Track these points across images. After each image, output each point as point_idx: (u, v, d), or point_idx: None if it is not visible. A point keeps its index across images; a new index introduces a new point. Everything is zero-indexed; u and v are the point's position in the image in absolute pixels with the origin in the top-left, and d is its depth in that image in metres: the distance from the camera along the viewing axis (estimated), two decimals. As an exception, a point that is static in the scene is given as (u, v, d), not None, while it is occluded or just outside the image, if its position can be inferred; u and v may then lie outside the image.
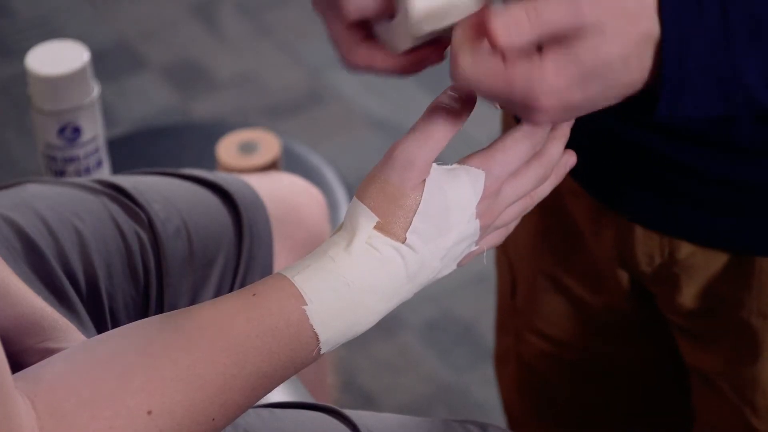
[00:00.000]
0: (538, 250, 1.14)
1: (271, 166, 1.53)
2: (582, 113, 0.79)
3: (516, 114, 0.81)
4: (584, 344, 1.16)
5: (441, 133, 0.83)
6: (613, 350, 1.16)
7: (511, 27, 0.75)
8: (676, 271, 1.01)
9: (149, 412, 0.77)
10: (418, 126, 0.83)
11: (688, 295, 1.01)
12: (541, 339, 1.18)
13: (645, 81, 0.78)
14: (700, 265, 1.00)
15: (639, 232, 1.01)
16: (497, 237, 0.89)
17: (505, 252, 1.20)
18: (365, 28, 0.85)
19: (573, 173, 0.92)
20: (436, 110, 0.83)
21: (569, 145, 0.88)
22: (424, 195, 0.83)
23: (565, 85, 0.76)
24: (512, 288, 1.20)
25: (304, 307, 0.81)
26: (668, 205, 0.98)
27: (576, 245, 1.09)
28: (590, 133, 0.96)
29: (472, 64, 0.77)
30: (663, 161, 0.96)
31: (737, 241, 0.97)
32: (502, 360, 1.26)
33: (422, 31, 0.82)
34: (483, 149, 0.85)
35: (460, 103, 0.83)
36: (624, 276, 1.07)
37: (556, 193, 1.07)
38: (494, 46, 0.76)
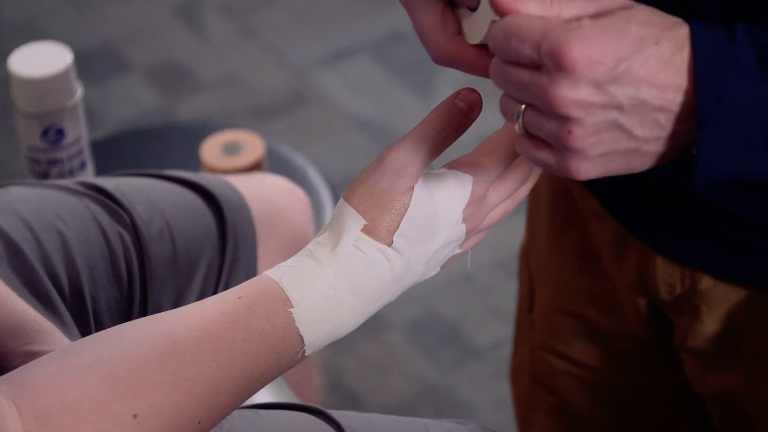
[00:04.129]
0: (556, 270, 1.13)
1: (255, 167, 1.53)
2: (609, 104, 0.76)
3: (534, 94, 0.78)
4: (599, 366, 1.14)
5: (435, 143, 0.83)
6: (628, 374, 1.14)
7: None
8: (696, 302, 1.00)
9: (135, 416, 0.77)
10: (414, 132, 0.84)
11: (709, 324, 1.00)
12: (556, 357, 1.16)
13: (682, 104, 0.76)
14: (721, 297, 0.99)
15: (660, 260, 1.00)
16: (479, 238, 0.89)
17: (526, 264, 1.19)
18: (455, 23, 0.85)
19: (598, 195, 0.91)
20: (434, 118, 0.84)
21: None
22: (412, 199, 0.83)
23: (598, 36, 0.75)
24: (530, 301, 1.18)
25: (291, 309, 0.82)
26: (692, 242, 0.97)
27: (595, 269, 1.08)
28: None
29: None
30: (694, 202, 0.95)
31: (760, 276, 0.96)
32: (516, 372, 1.25)
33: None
34: (470, 153, 0.85)
35: (459, 116, 0.84)
36: (642, 302, 1.06)
37: (579, 215, 1.06)
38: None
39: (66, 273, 1.00)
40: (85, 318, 1.01)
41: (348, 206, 0.83)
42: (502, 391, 1.66)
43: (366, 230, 0.83)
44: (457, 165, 0.85)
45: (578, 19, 0.76)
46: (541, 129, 0.77)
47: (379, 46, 2.41)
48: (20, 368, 0.78)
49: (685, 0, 0.83)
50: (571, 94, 0.75)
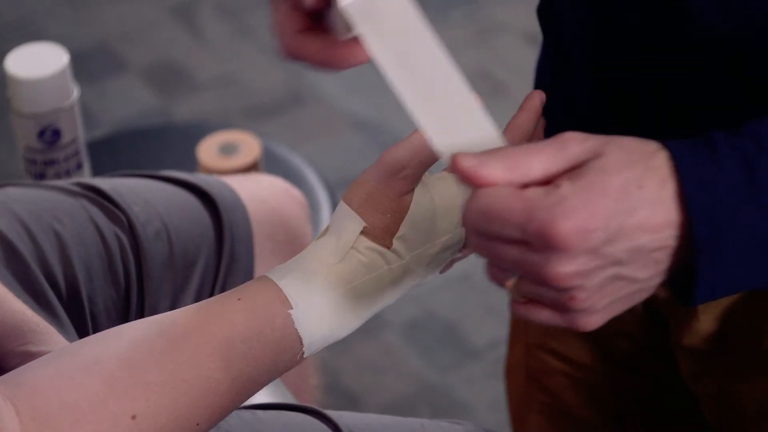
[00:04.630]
0: None
1: (252, 168, 1.53)
2: (608, 263, 0.74)
3: (525, 289, 0.76)
4: (593, 365, 1.14)
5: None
6: (622, 374, 1.14)
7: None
8: None
9: (133, 417, 0.77)
10: (415, 135, 0.83)
11: (705, 322, 1.00)
12: (550, 355, 1.16)
13: (677, 238, 0.74)
14: None
15: None
16: None
17: None
18: (310, 19, 0.81)
19: None
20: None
21: None
22: (412, 202, 0.83)
23: (582, 204, 0.72)
24: None
25: (290, 311, 0.82)
26: None
27: None
28: None
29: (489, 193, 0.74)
30: None
31: None
32: (511, 370, 1.25)
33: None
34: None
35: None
36: None
37: None
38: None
39: (63, 273, 1.00)
40: (82, 318, 1.01)
41: (347, 208, 0.83)
42: (500, 390, 1.66)
43: (365, 232, 0.83)
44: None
45: (556, 184, 0.73)
46: (540, 296, 0.75)
47: (376, 46, 2.41)
48: (18, 369, 0.78)
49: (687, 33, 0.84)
50: (567, 269, 0.72)
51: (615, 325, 1.09)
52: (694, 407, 1.10)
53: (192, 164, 1.56)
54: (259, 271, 1.11)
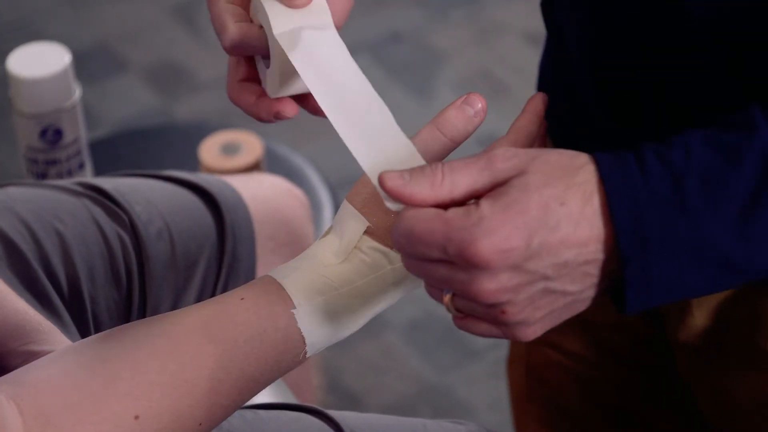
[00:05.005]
0: None
1: (254, 168, 1.53)
2: (534, 278, 0.75)
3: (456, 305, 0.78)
4: (592, 359, 1.15)
5: (439, 145, 0.83)
6: (620, 369, 1.14)
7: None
8: None
9: (136, 417, 0.77)
10: (418, 136, 0.84)
11: (699, 317, 1.00)
12: (551, 349, 1.17)
13: (604, 251, 0.75)
14: None
15: None
16: None
17: None
18: (254, 70, 0.86)
19: None
20: (439, 122, 0.84)
21: None
22: None
23: (501, 223, 0.73)
24: None
25: (293, 310, 0.82)
26: None
27: None
28: None
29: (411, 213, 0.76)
30: None
31: None
32: (512, 364, 1.26)
33: (287, 91, 0.84)
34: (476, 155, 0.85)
35: (465, 121, 0.84)
36: None
37: None
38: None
39: (65, 273, 1.00)
40: (83, 318, 1.01)
41: (351, 208, 0.83)
42: (500, 390, 1.66)
43: (369, 232, 0.83)
44: None
45: (476, 203, 0.74)
46: (474, 311, 0.77)
47: (377, 47, 2.41)
48: (21, 368, 0.78)
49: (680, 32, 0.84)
50: (492, 285, 0.74)
51: (614, 319, 1.09)
52: (692, 402, 1.10)
53: (194, 164, 1.56)
54: (261, 271, 1.11)
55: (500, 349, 1.90)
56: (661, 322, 1.05)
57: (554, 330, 1.15)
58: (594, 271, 0.76)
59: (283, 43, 0.81)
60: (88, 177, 1.35)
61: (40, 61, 1.35)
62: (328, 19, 0.83)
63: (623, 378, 1.15)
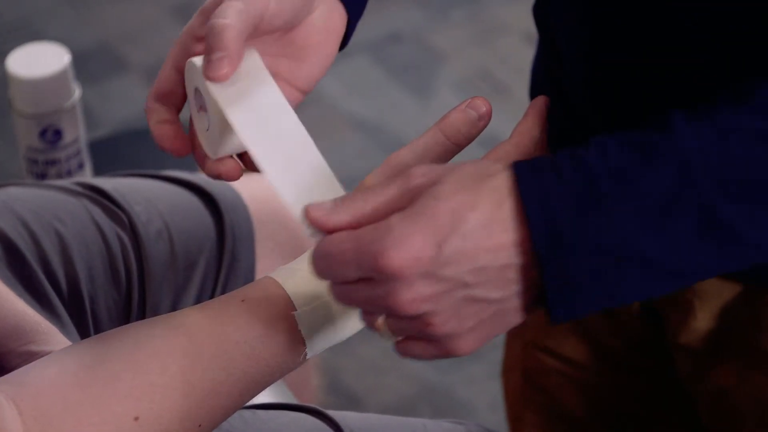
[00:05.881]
0: None
1: (254, 168, 1.53)
2: (453, 286, 0.74)
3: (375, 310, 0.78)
4: (589, 365, 1.14)
5: (443, 150, 0.83)
6: (618, 374, 1.14)
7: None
8: (689, 296, 0.99)
9: (136, 418, 0.77)
10: (422, 138, 0.83)
11: (701, 319, 1.00)
12: (547, 355, 1.16)
13: (521, 255, 0.74)
14: (714, 293, 0.98)
15: None
16: None
17: None
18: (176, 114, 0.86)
19: None
20: (444, 125, 0.83)
21: None
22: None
23: (410, 232, 0.73)
24: None
25: (294, 313, 0.82)
26: None
27: None
28: None
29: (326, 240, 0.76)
30: None
31: (753, 273, 0.96)
32: (508, 370, 1.26)
33: (226, 151, 0.84)
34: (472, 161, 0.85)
35: (469, 125, 0.83)
36: None
37: None
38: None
39: (64, 273, 1.00)
40: (83, 318, 1.01)
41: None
42: (500, 391, 1.66)
43: None
44: None
45: (387, 218, 0.74)
46: (406, 330, 0.77)
47: (377, 47, 2.41)
48: (21, 369, 0.78)
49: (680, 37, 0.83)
50: (409, 295, 0.73)
51: (611, 324, 1.09)
52: (690, 407, 1.10)
53: (193, 164, 1.56)
54: (260, 271, 1.11)
55: (500, 349, 1.89)
56: (660, 325, 1.05)
57: (551, 335, 1.15)
58: (514, 276, 0.75)
59: (221, 103, 0.81)
60: (88, 177, 1.34)
61: (39, 61, 1.35)
62: (265, 74, 0.83)
63: (621, 382, 1.15)
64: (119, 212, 1.05)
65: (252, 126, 0.80)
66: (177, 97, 0.86)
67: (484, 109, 0.83)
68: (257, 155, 0.80)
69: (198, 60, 0.82)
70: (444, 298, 0.74)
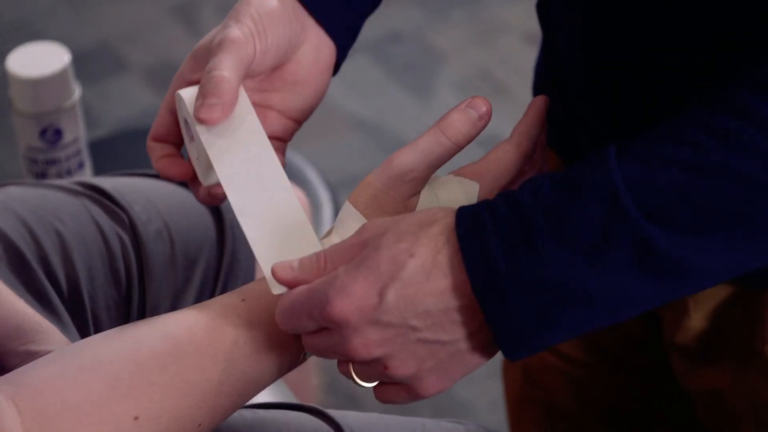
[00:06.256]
0: None
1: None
2: (403, 330, 0.77)
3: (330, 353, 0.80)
4: (589, 362, 1.14)
5: (443, 150, 0.83)
6: (616, 373, 1.14)
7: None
8: (684, 297, 0.99)
9: (136, 418, 0.77)
10: (422, 138, 0.84)
11: (696, 319, 1.00)
12: (547, 352, 1.16)
13: (465, 297, 0.76)
14: (708, 293, 0.99)
15: None
16: None
17: None
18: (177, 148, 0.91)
19: None
20: (443, 125, 0.84)
21: None
22: (418, 204, 0.84)
23: (351, 281, 0.76)
24: None
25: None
26: None
27: None
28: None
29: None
30: None
31: (747, 276, 0.95)
32: (508, 367, 1.26)
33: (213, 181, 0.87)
34: (477, 162, 0.85)
35: (469, 125, 0.84)
36: None
37: None
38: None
39: (64, 273, 1.00)
40: (83, 318, 1.01)
41: (353, 209, 0.83)
42: (500, 390, 1.66)
43: None
44: (463, 172, 0.85)
45: (335, 269, 0.78)
46: (371, 376, 0.79)
47: (377, 46, 2.41)
48: (21, 368, 0.78)
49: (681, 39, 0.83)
50: (360, 340, 0.76)
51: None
52: (686, 405, 1.10)
53: (193, 164, 1.56)
54: (260, 271, 1.11)
55: (500, 349, 1.89)
56: (657, 325, 1.05)
57: None
58: (459, 318, 0.76)
59: (206, 145, 0.83)
60: (88, 177, 1.34)
61: (39, 60, 1.35)
62: (253, 118, 0.85)
63: (619, 380, 1.15)
64: (119, 212, 1.05)
65: (232, 173, 0.83)
66: (174, 136, 0.90)
67: (484, 108, 0.84)
68: (234, 204, 0.82)
69: (185, 92, 0.85)
70: (395, 341, 0.77)
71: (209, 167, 0.85)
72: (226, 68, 0.83)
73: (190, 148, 0.88)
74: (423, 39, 2.42)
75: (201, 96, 0.83)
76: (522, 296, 0.75)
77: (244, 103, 0.85)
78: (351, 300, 0.76)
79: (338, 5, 0.91)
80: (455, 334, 0.77)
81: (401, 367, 0.77)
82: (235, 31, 0.85)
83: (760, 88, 0.74)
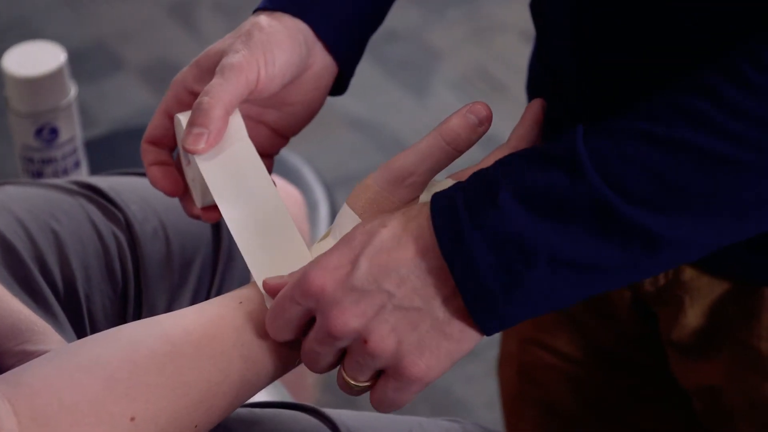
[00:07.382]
0: None
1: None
2: (378, 297, 0.78)
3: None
4: (585, 360, 1.15)
5: (443, 154, 0.83)
6: (612, 370, 1.14)
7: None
8: (679, 293, 1.00)
9: (132, 419, 0.77)
10: (422, 142, 0.84)
11: (692, 316, 1.00)
12: (542, 350, 1.17)
13: (435, 261, 0.78)
14: (704, 289, 0.99)
15: None
16: None
17: None
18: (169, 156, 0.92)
19: None
20: (444, 129, 0.84)
21: None
22: None
23: (328, 254, 0.78)
24: None
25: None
26: None
27: None
28: None
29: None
30: None
31: (743, 270, 0.96)
32: (504, 364, 1.26)
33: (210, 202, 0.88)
34: (474, 166, 0.85)
35: (469, 130, 0.84)
36: (627, 294, 1.06)
37: None
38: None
39: (60, 272, 1.00)
40: (79, 317, 1.01)
41: (351, 212, 0.83)
42: (497, 389, 1.66)
43: None
44: (461, 175, 0.85)
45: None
46: (360, 366, 0.80)
47: (374, 45, 2.40)
48: (17, 368, 0.78)
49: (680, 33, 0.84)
50: (339, 311, 0.78)
51: (605, 320, 1.09)
52: (683, 401, 1.10)
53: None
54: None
55: (497, 348, 1.89)
56: (654, 322, 1.05)
57: (545, 330, 1.15)
58: (432, 281, 0.78)
59: (201, 169, 0.85)
60: (84, 176, 1.34)
61: (35, 59, 1.35)
62: (246, 143, 0.87)
63: (615, 378, 1.15)
64: (115, 211, 1.05)
65: (228, 197, 0.85)
66: (168, 140, 0.91)
67: (485, 113, 0.84)
68: (231, 226, 0.84)
69: (183, 117, 0.87)
70: (373, 310, 0.77)
71: (204, 191, 0.87)
72: (220, 96, 0.85)
73: (186, 170, 0.90)
74: (420, 37, 2.42)
75: (189, 124, 0.85)
76: (488, 251, 0.76)
77: (238, 128, 0.86)
78: (326, 270, 0.78)
79: (346, 29, 0.93)
80: (430, 299, 0.78)
81: (381, 341, 0.78)
82: (239, 58, 0.87)
83: (724, 70, 0.77)
